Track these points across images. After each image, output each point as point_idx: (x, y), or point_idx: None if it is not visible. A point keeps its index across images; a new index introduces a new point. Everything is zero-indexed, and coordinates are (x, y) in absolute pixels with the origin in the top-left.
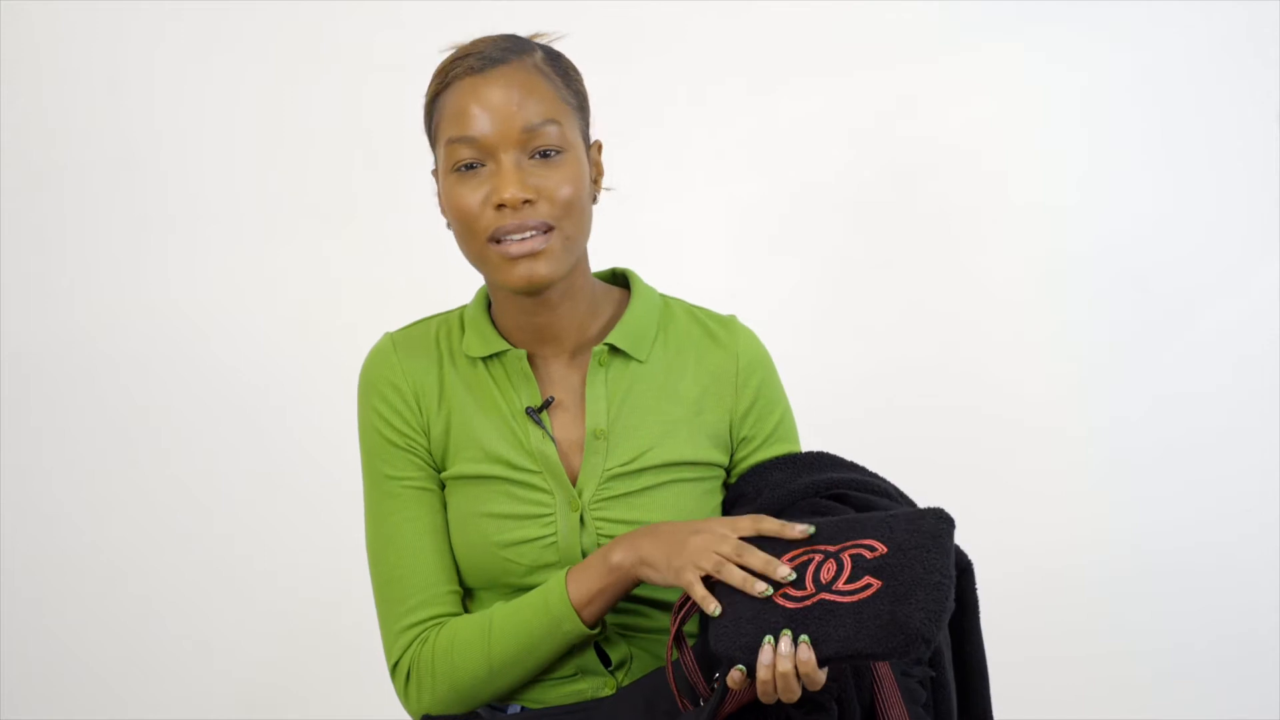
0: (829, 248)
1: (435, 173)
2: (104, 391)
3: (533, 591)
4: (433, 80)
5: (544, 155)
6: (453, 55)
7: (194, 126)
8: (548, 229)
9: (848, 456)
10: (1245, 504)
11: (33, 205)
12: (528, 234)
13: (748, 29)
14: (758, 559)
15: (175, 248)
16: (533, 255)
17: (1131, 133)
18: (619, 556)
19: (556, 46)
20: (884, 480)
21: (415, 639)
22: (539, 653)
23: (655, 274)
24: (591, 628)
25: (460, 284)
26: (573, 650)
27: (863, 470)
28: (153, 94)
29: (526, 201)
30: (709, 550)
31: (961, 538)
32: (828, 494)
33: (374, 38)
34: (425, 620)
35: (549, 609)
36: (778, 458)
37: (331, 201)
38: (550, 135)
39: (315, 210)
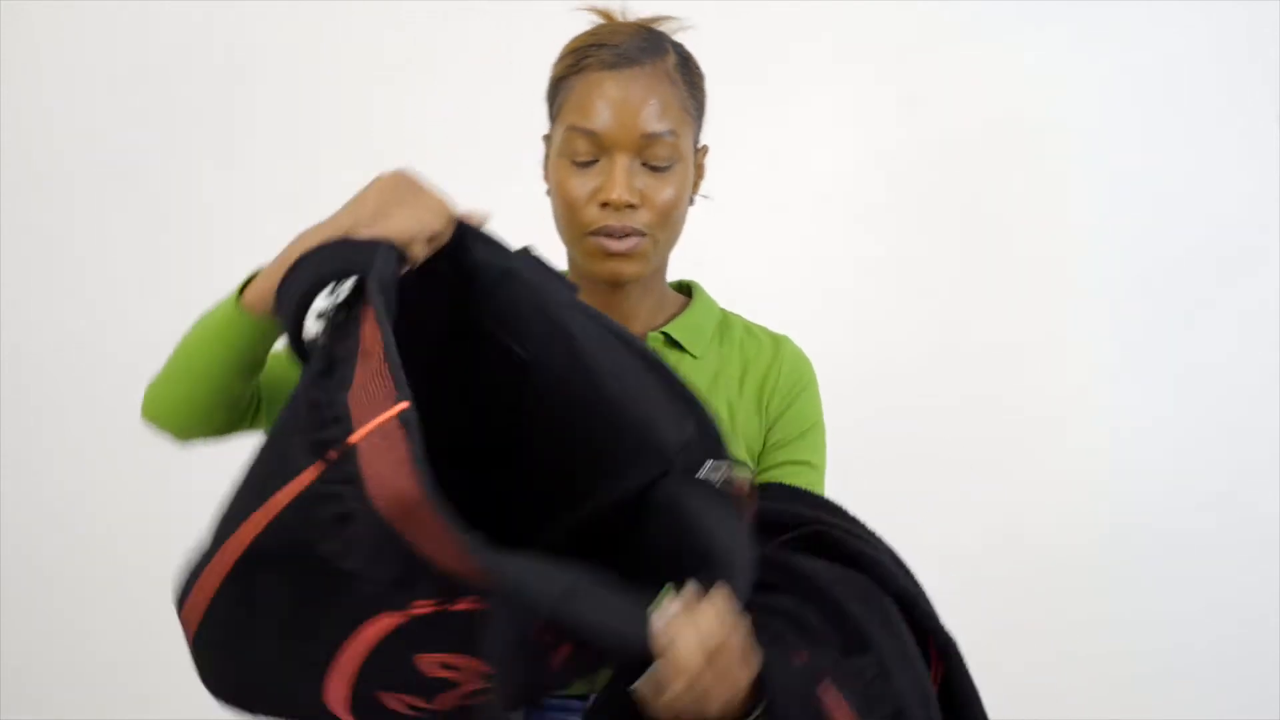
0: (831, 249)
1: (546, 139)
2: (106, 389)
3: None
4: (565, 56)
5: (655, 166)
6: (590, 38)
7: (195, 126)
8: (643, 234)
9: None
10: (1246, 504)
11: (35, 205)
12: (624, 233)
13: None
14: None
15: (178, 247)
16: (625, 256)
17: (1134, 132)
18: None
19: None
20: (839, 519)
21: None
22: (193, 344)
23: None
24: (247, 310)
25: None
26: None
27: (823, 508)
28: (155, 93)
29: (630, 205)
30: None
31: (964, 535)
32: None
33: (378, 37)
34: None
35: (211, 309)
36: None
37: (334, 201)
38: (666, 146)
39: (317, 210)
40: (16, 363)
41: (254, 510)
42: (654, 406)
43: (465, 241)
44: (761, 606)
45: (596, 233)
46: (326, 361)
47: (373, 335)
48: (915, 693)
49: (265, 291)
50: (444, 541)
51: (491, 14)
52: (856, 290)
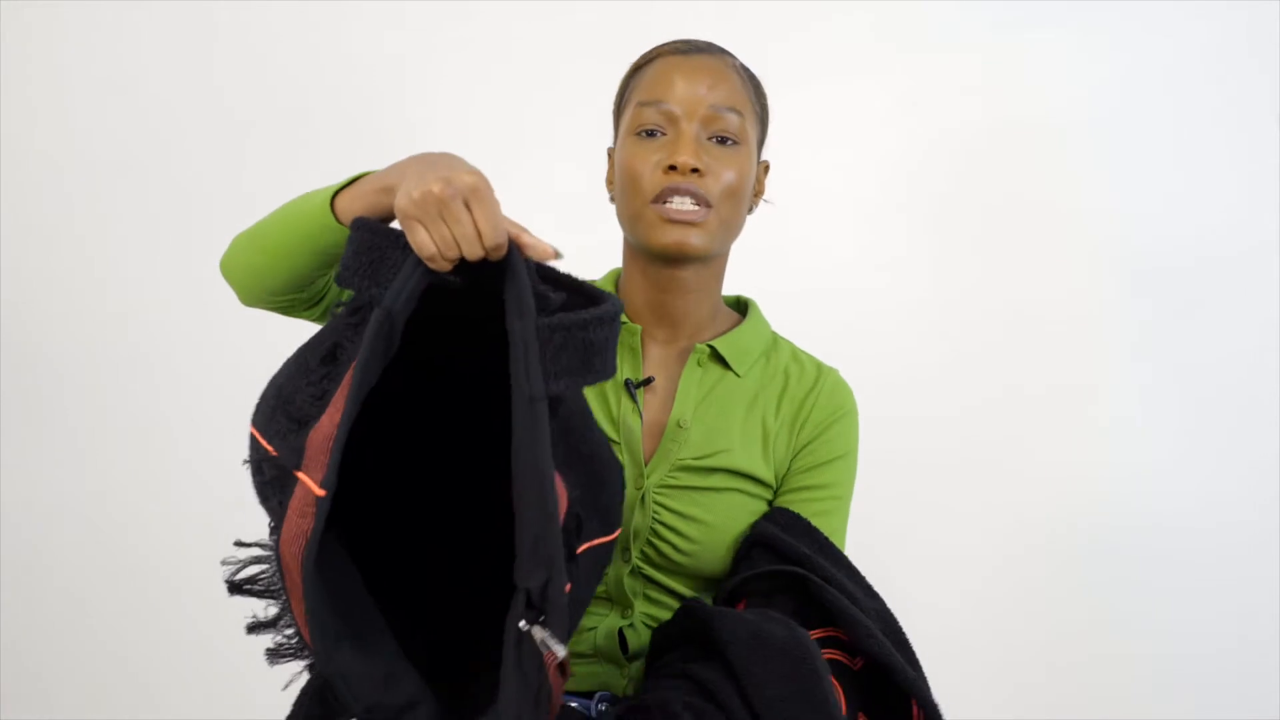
0: (833, 251)
1: (610, 151)
2: (110, 386)
3: None
4: (635, 61)
5: (721, 140)
6: (661, 43)
7: (198, 125)
8: (707, 204)
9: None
10: (1245, 504)
11: (38, 204)
12: (689, 200)
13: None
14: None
15: (179, 245)
16: (688, 224)
17: (1134, 132)
18: (393, 179)
19: None
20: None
21: None
22: (282, 221)
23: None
24: (338, 220)
25: None
26: (595, 634)
27: (822, 552)
28: (156, 91)
29: (695, 170)
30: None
31: (964, 537)
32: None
33: (380, 36)
34: None
35: (312, 194)
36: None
37: None
38: (731, 122)
39: None
40: (17, 362)
41: (271, 432)
42: (526, 542)
43: (509, 267)
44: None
45: (660, 199)
46: (332, 349)
47: (341, 398)
48: None
49: (353, 210)
50: (300, 607)
51: (491, 13)
52: (857, 294)
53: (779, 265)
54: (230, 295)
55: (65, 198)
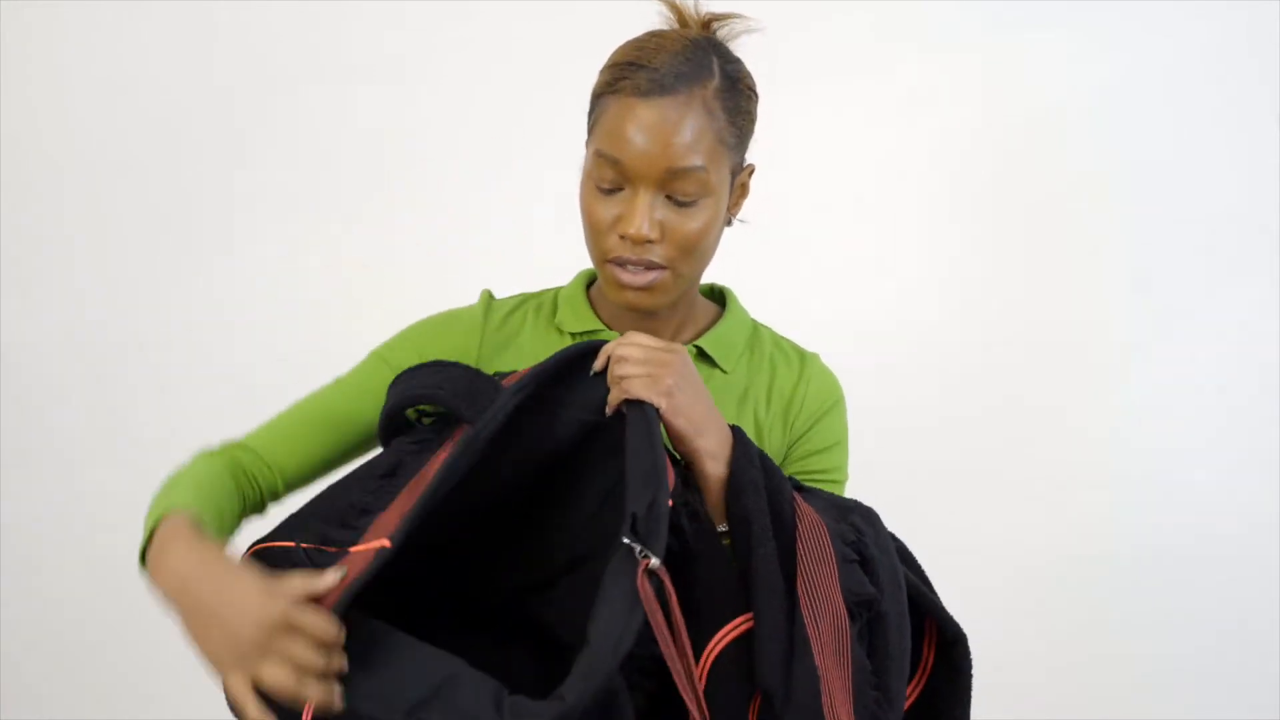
0: (830, 252)
1: (587, 145)
2: (109, 388)
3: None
4: (606, 69)
5: (680, 202)
6: (633, 53)
7: (199, 125)
8: (662, 268)
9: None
10: (1245, 505)
11: (38, 204)
12: (641, 269)
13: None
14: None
15: (179, 246)
16: (642, 289)
17: (1134, 132)
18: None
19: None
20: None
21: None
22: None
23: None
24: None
25: (478, 284)
26: None
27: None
28: (160, 92)
29: (648, 240)
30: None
31: (965, 540)
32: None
33: (380, 36)
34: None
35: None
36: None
37: (338, 200)
38: (693, 181)
39: (322, 209)
40: (17, 364)
41: (275, 538)
42: (638, 473)
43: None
44: None
45: (615, 261)
46: (394, 465)
47: (429, 473)
48: (890, 583)
49: (169, 577)
50: None
51: (491, 13)
52: (852, 294)
53: (774, 266)
54: (232, 294)
55: (65, 198)
